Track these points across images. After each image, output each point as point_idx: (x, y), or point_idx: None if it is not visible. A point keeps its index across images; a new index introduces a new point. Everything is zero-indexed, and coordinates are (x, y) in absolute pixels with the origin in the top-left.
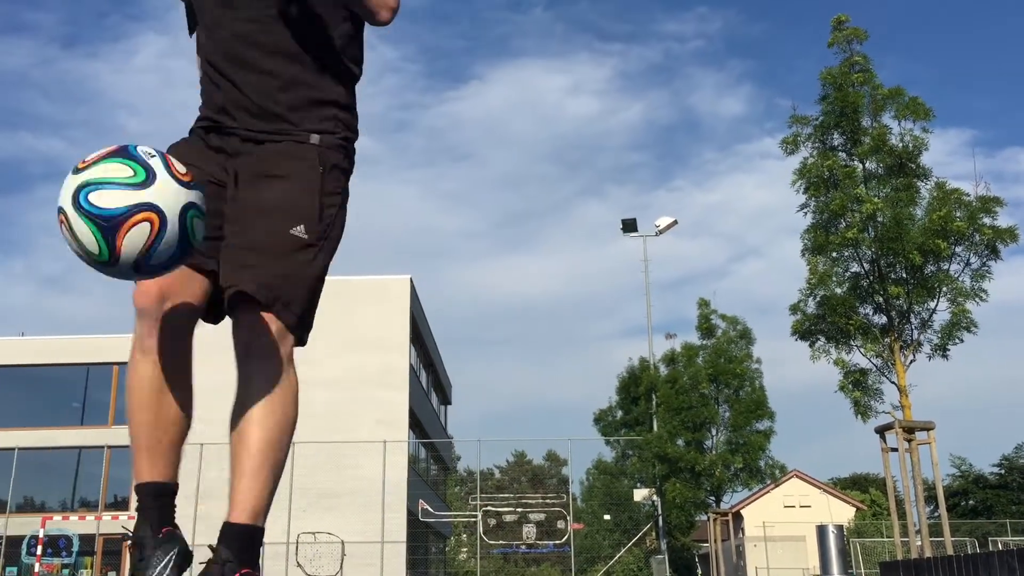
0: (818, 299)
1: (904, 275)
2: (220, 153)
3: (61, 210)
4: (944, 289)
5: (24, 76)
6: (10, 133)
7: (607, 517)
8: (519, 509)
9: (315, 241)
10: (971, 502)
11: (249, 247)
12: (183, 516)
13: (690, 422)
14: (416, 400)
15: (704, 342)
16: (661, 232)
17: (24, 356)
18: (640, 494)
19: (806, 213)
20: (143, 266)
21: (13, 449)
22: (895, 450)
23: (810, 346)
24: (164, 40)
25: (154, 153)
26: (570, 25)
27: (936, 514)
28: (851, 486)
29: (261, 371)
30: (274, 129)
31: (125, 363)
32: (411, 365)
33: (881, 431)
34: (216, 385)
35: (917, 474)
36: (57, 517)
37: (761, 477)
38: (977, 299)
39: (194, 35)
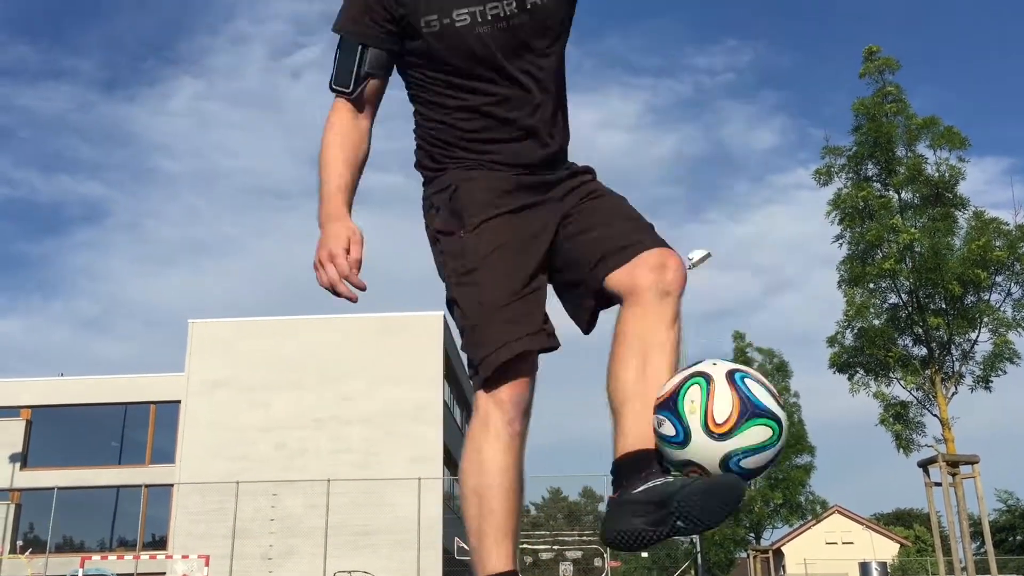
0: (856, 331)
1: (943, 306)
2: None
3: (699, 466)
4: (985, 319)
5: (63, 120)
6: (49, 176)
7: (645, 555)
8: (555, 547)
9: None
10: (1018, 538)
11: (627, 221)
12: (219, 556)
13: None
14: (450, 436)
15: None
16: (695, 265)
17: (63, 396)
18: None
19: (841, 244)
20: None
21: (52, 489)
22: (939, 484)
23: (849, 379)
24: (199, 83)
25: (699, 399)
26: (599, 60)
27: (982, 550)
28: (894, 522)
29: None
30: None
31: (162, 402)
32: (445, 401)
33: (924, 465)
34: (247, 424)
35: (962, 509)
36: (96, 557)
37: (802, 513)
38: (1020, 329)
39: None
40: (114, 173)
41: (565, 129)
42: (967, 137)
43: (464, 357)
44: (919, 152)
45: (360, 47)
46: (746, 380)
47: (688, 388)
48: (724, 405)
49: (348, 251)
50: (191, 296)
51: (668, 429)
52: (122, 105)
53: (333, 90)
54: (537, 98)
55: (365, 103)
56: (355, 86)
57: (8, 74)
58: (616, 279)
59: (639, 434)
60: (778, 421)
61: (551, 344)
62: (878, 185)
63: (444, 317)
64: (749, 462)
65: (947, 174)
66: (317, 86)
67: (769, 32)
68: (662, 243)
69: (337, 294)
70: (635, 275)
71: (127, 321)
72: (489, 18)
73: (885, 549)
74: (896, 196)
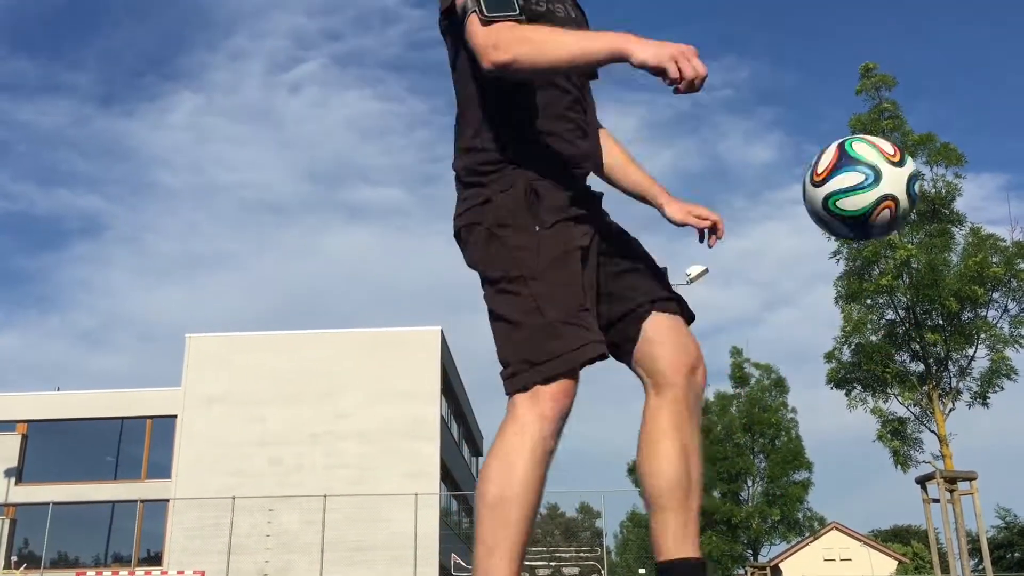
0: (853, 347)
1: (941, 322)
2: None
3: (892, 198)
4: (982, 336)
5: (61, 134)
6: (48, 190)
7: (642, 571)
8: (552, 563)
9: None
10: (1017, 555)
11: (655, 272)
12: (215, 572)
13: (725, 473)
14: (448, 452)
15: (738, 391)
16: (692, 280)
17: (59, 411)
18: None
19: (839, 260)
20: (891, 231)
21: (48, 504)
22: (937, 501)
23: (846, 395)
24: (198, 98)
25: (868, 146)
26: None
27: (981, 567)
28: (892, 538)
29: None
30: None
31: (158, 417)
32: (442, 416)
33: (922, 481)
34: (244, 439)
35: (960, 526)
36: (91, 572)
37: (799, 529)
38: (1017, 346)
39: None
40: (113, 187)
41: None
42: (963, 154)
43: (506, 356)
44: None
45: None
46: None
47: (851, 143)
48: (885, 143)
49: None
50: (188, 310)
51: (854, 178)
52: (121, 120)
53: (491, 18)
54: (588, 101)
55: None
56: (519, 7)
57: (7, 88)
58: (650, 354)
59: (685, 538)
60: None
61: (606, 356)
62: None
63: (441, 332)
64: (918, 186)
65: (944, 190)
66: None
67: (767, 49)
68: (689, 313)
69: (691, 86)
70: (673, 366)
71: (124, 335)
72: (572, 15)
73: (883, 566)
74: None
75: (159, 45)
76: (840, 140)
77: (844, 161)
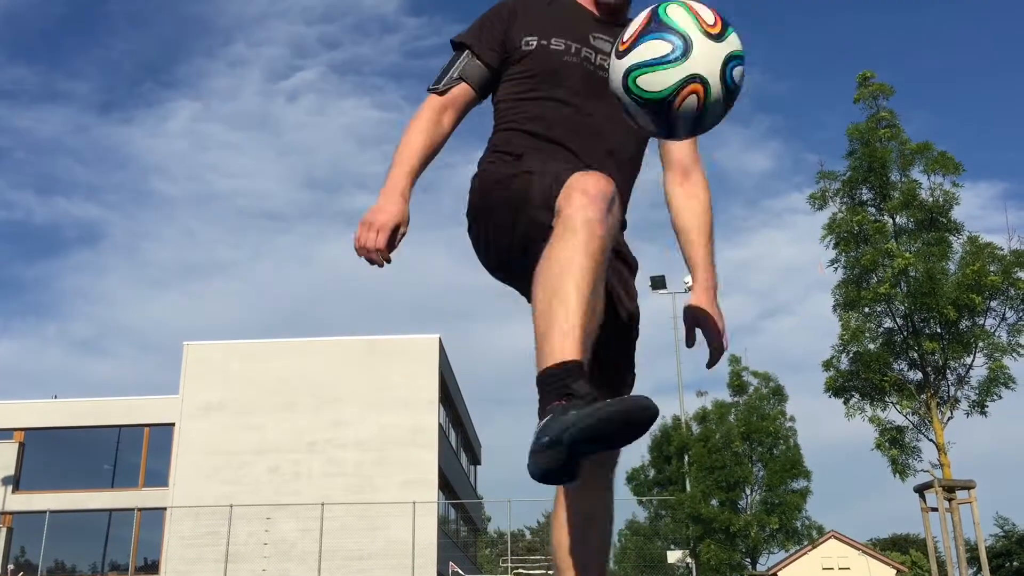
0: (851, 355)
1: (939, 330)
2: None
3: (700, 80)
4: (980, 344)
5: (60, 142)
6: (45, 198)
7: None
8: (551, 571)
9: None
10: (1015, 563)
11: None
12: None
13: (724, 481)
14: (446, 460)
15: (736, 399)
16: (690, 289)
17: (56, 419)
18: (674, 556)
19: (836, 268)
20: (695, 130)
21: (44, 512)
22: (935, 510)
23: (844, 403)
24: (197, 105)
25: (685, 10)
26: None
27: None
28: (891, 547)
29: None
30: None
31: (156, 425)
32: (440, 425)
33: (920, 490)
34: (241, 448)
35: (959, 535)
36: None
37: (798, 538)
38: (1014, 354)
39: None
40: (110, 195)
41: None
42: (961, 163)
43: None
44: (913, 177)
45: (463, 53)
46: None
47: (666, 6)
48: (705, 10)
49: (397, 230)
50: (186, 318)
51: (661, 48)
52: (119, 127)
53: (429, 90)
54: (605, 130)
55: (450, 105)
56: (445, 83)
57: (5, 96)
58: None
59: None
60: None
61: None
62: (872, 210)
63: (440, 340)
64: (737, 72)
65: (941, 199)
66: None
67: (764, 57)
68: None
69: (367, 256)
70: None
71: (122, 343)
72: (582, 56)
73: (882, 575)
74: (891, 221)
75: (158, 53)
76: (657, 2)
77: (653, 27)
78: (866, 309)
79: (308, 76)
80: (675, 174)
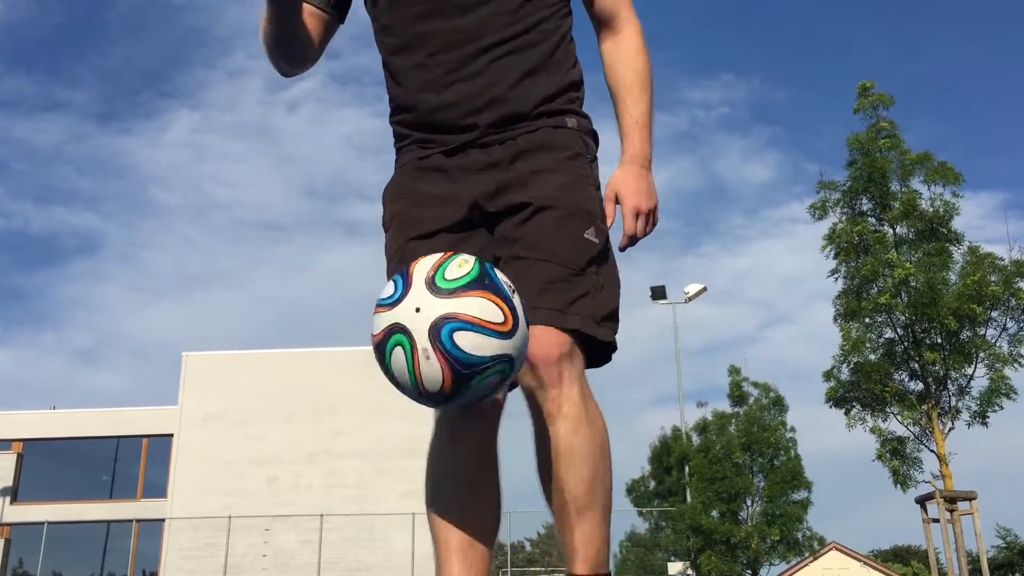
0: (852, 366)
1: (939, 340)
2: (459, 176)
3: (406, 335)
4: (981, 355)
5: (58, 152)
6: (43, 208)
7: None
8: None
9: (605, 244)
10: (1017, 575)
11: (546, 259)
12: None
13: (724, 492)
14: None
15: (736, 410)
16: (691, 299)
17: (54, 429)
18: (674, 568)
19: (837, 278)
20: (463, 403)
21: (43, 523)
22: (937, 521)
23: (845, 414)
24: (196, 115)
25: (511, 284)
26: (592, 94)
27: None
28: (893, 558)
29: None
30: (522, 119)
31: (154, 436)
32: None
33: (922, 501)
34: (240, 458)
35: (960, 546)
36: None
37: (799, 549)
38: (1015, 365)
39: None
40: (109, 205)
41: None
42: (961, 173)
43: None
44: (913, 187)
45: None
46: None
47: (449, 262)
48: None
49: None
50: (185, 328)
51: (385, 289)
52: (118, 137)
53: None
54: (484, 32)
55: (309, 24)
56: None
57: (4, 106)
58: None
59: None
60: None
61: None
62: (873, 220)
63: None
64: (451, 337)
65: (941, 209)
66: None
67: (764, 67)
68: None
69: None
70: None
71: (120, 353)
72: None
73: None
74: (891, 231)
75: (157, 63)
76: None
77: (486, 286)
78: (867, 319)
79: (308, 86)
80: (602, 29)
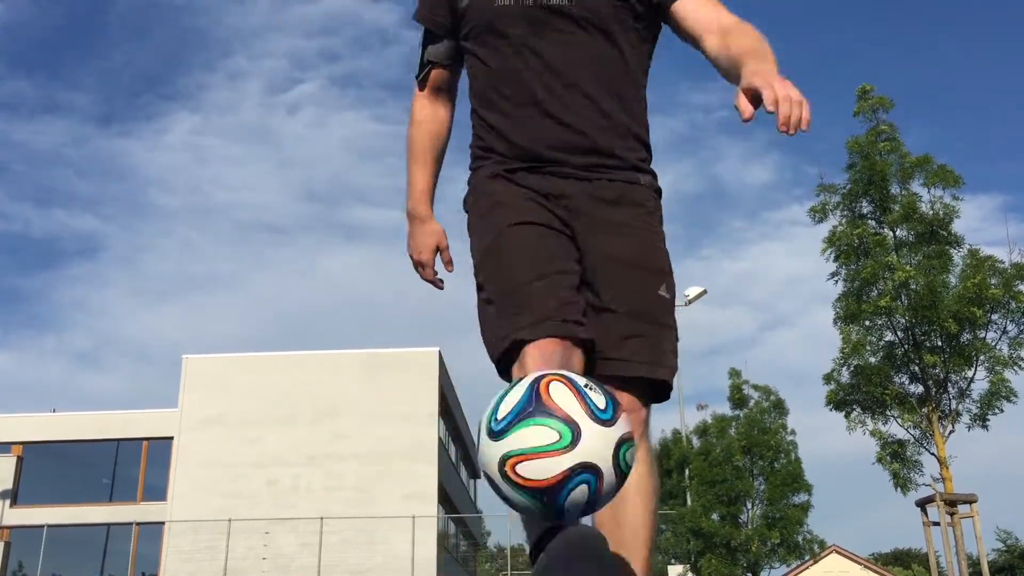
0: (852, 368)
1: (940, 343)
2: (547, 198)
3: (488, 479)
4: (981, 357)
5: (58, 154)
6: (44, 210)
7: None
8: None
9: (673, 300)
10: None
11: (631, 314)
12: None
13: (724, 495)
14: (446, 474)
15: (736, 413)
16: (691, 302)
17: (54, 432)
18: (675, 571)
19: (837, 281)
20: (588, 513)
21: (42, 526)
22: (937, 524)
23: (845, 417)
24: (196, 118)
25: (570, 389)
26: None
27: None
28: (893, 562)
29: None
30: (603, 165)
31: (155, 439)
32: (440, 438)
33: (922, 504)
34: (240, 461)
35: (961, 549)
36: None
37: (799, 552)
38: (1016, 367)
39: (460, 69)
40: (109, 207)
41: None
42: (960, 175)
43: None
44: (913, 190)
45: (424, 34)
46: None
47: (546, 383)
48: (597, 393)
49: (439, 251)
50: (185, 331)
51: (545, 436)
52: (118, 140)
53: (416, 80)
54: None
55: (436, 91)
56: (420, 71)
57: (4, 108)
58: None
59: None
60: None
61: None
62: (873, 222)
63: (439, 353)
64: (629, 454)
65: (941, 212)
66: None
67: None
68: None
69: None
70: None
71: (120, 356)
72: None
73: None
74: (891, 233)
75: (157, 65)
76: (538, 377)
77: (533, 408)
78: (867, 322)
79: (308, 89)
80: (707, 36)
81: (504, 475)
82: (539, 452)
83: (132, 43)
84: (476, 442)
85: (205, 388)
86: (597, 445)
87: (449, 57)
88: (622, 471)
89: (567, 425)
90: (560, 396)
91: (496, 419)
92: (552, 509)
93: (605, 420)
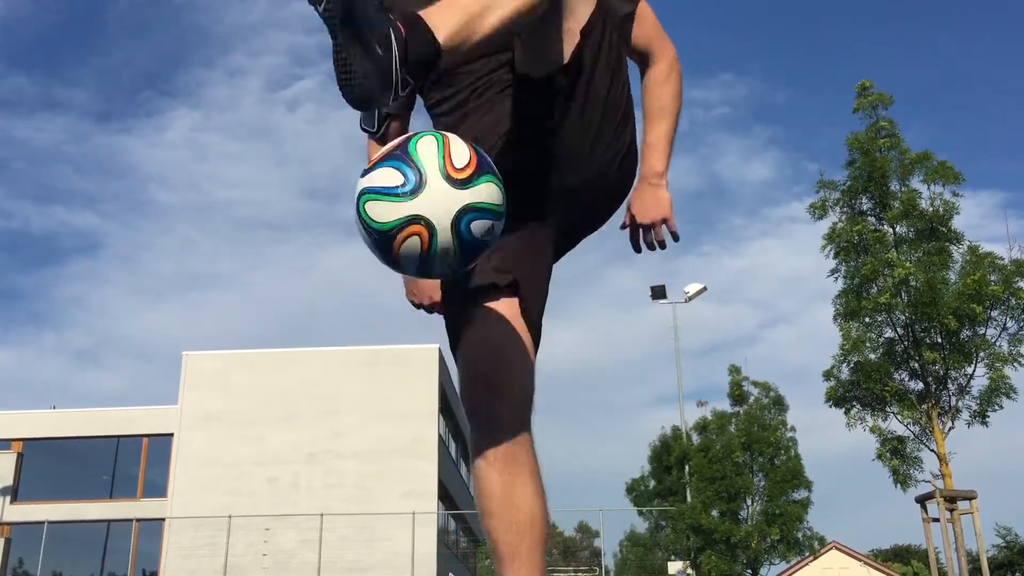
0: (852, 365)
1: (939, 340)
2: None
3: (425, 223)
4: (981, 354)
5: (58, 151)
6: (43, 207)
7: None
8: None
9: None
10: (1018, 574)
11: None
12: None
13: (724, 492)
14: (446, 471)
15: (736, 409)
16: (691, 299)
17: (55, 429)
18: (674, 567)
19: (837, 278)
20: (426, 276)
21: (42, 523)
22: (937, 520)
23: (845, 413)
24: (196, 115)
25: (438, 145)
26: None
27: None
28: (893, 558)
29: None
30: None
31: (155, 435)
32: (440, 435)
33: (922, 501)
34: (240, 458)
35: (960, 545)
36: None
37: (799, 549)
38: (1015, 364)
39: None
40: (109, 204)
41: None
42: (960, 172)
43: None
44: (913, 187)
45: None
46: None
47: (420, 138)
48: (462, 152)
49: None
50: (185, 328)
51: (394, 178)
52: (118, 137)
53: (363, 130)
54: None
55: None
56: (379, 127)
57: (3, 106)
58: None
59: None
60: (505, 188)
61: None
62: (872, 219)
63: (440, 350)
64: (477, 226)
65: (941, 209)
66: (314, 118)
67: (764, 67)
68: None
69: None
70: None
71: (120, 353)
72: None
73: None
74: (891, 230)
75: (157, 62)
76: (421, 132)
77: (398, 153)
78: (866, 319)
79: (308, 85)
80: (642, 62)
81: (358, 211)
82: (383, 193)
83: (132, 40)
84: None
85: (205, 385)
86: (439, 202)
87: (408, 107)
88: (462, 239)
89: (415, 174)
90: (425, 147)
91: (370, 158)
92: (387, 256)
93: (457, 181)
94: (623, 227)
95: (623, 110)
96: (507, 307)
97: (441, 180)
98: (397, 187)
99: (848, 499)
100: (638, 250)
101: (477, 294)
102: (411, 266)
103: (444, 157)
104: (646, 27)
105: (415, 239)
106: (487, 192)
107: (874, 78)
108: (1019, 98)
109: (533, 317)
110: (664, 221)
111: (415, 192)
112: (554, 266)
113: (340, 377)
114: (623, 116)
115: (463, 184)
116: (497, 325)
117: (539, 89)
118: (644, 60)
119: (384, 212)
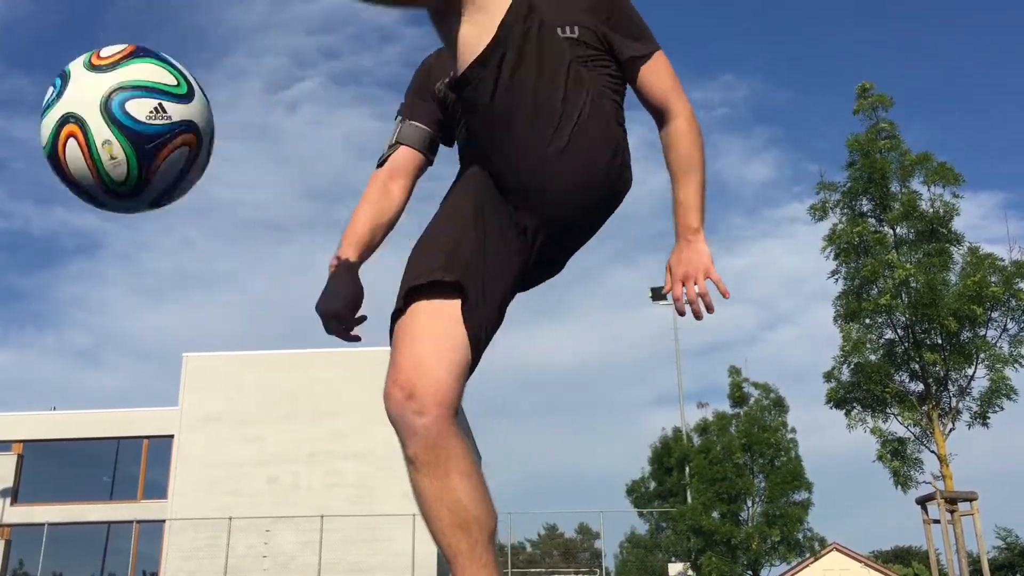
0: (852, 366)
1: (940, 341)
2: None
3: (75, 120)
4: (981, 355)
5: None
6: (43, 208)
7: None
8: None
9: None
10: (1018, 575)
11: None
12: None
13: (725, 493)
14: None
15: (737, 411)
16: None
17: (55, 431)
18: (675, 569)
19: (837, 279)
20: (163, 202)
21: (43, 524)
22: (937, 522)
23: (846, 414)
24: None
25: (87, 54)
26: None
27: None
28: (893, 559)
29: None
30: None
31: (155, 437)
32: None
33: (922, 502)
34: (241, 459)
35: (961, 547)
36: None
37: (800, 550)
38: (1016, 365)
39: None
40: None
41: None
42: (961, 173)
43: None
44: (913, 188)
45: (397, 119)
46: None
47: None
48: (116, 47)
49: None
50: (185, 329)
51: (47, 93)
52: None
53: (378, 162)
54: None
55: (396, 173)
56: (385, 153)
57: (4, 106)
58: None
59: None
60: (184, 78)
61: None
62: (873, 220)
63: None
64: (134, 105)
65: (941, 210)
66: (314, 119)
67: (764, 67)
68: None
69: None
70: None
71: (120, 354)
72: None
73: None
74: (891, 232)
75: None
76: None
77: (148, 54)
78: (867, 320)
79: (308, 86)
80: (657, 119)
81: (107, 111)
82: (41, 113)
83: (131, 40)
84: None
85: (205, 386)
86: (84, 93)
87: (424, 146)
88: (121, 124)
89: (60, 78)
90: (76, 60)
91: (99, 54)
92: (64, 178)
93: (102, 67)
94: (665, 293)
95: (572, 108)
96: (445, 308)
97: (84, 71)
98: (47, 98)
99: (849, 500)
100: (682, 313)
101: (418, 289)
102: (90, 182)
103: (92, 54)
104: (663, 81)
105: (72, 142)
106: (141, 71)
107: (874, 79)
108: (1019, 99)
109: (475, 330)
110: (706, 273)
111: (61, 93)
112: (546, 281)
113: (341, 378)
114: (566, 114)
115: (109, 68)
116: (426, 327)
117: (465, 86)
118: (660, 115)
119: (43, 130)
